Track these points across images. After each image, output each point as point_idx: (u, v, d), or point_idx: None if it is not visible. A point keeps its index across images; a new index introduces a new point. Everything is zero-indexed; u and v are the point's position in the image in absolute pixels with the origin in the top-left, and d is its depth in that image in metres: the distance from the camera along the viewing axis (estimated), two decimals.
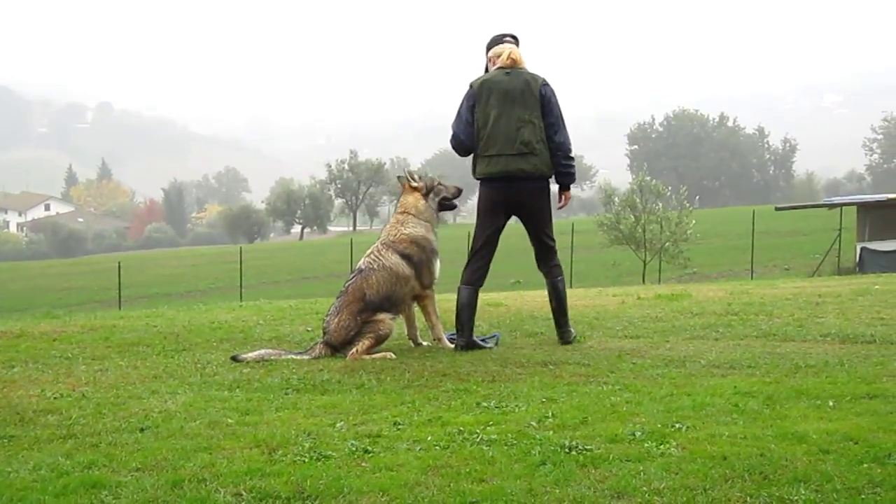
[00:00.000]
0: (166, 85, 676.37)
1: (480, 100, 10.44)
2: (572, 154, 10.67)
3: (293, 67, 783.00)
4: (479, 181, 10.78)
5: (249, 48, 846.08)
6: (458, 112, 10.67)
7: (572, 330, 10.81)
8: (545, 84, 10.49)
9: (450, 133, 10.69)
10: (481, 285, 10.81)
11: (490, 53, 10.77)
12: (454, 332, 10.80)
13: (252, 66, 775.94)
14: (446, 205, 10.94)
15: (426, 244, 10.49)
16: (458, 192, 11.16)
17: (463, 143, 10.68)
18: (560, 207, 11.23)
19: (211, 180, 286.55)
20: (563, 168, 10.62)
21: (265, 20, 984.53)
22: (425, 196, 10.76)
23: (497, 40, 10.79)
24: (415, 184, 10.82)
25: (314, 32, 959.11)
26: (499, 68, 10.54)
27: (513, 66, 10.50)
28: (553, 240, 10.90)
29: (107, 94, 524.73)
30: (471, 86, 10.56)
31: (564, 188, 10.96)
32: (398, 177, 11.42)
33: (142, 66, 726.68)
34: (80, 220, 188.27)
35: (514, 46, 10.67)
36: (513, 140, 10.33)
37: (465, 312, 10.53)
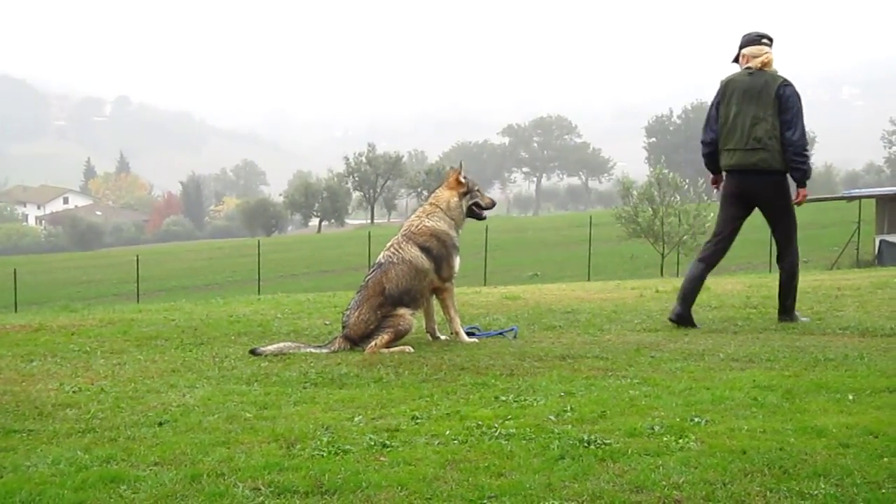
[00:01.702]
0: (184, 78, 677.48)
1: (724, 97, 11.34)
2: (805, 151, 11.19)
3: (310, 61, 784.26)
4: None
5: (267, 42, 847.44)
6: (709, 111, 11.69)
7: (797, 315, 11.45)
8: (785, 84, 11.11)
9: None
10: (714, 263, 11.66)
11: (744, 51, 11.40)
12: (472, 325, 10.92)
13: (269, 59, 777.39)
14: (476, 212, 10.96)
15: (447, 238, 10.50)
16: (493, 204, 11.26)
17: (707, 139, 11.68)
18: (797, 203, 11.52)
19: (229, 173, 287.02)
20: (795, 164, 11.16)
21: (283, 13, 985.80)
22: (462, 196, 10.78)
23: (753, 40, 11.41)
24: (461, 179, 10.88)
25: (331, 25, 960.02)
26: (745, 68, 11.30)
27: (761, 69, 11.20)
28: (793, 241, 11.57)
29: (125, 88, 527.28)
30: (721, 83, 11.46)
31: (799, 184, 11.34)
32: (450, 168, 11.54)
33: (159, 60, 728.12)
34: (99, 213, 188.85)
35: (769, 51, 11.32)
36: (747, 136, 11.13)
37: (689, 284, 11.45)
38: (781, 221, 11.43)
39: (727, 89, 11.32)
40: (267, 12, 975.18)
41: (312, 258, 76.99)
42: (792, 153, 11.02)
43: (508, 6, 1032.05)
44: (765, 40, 11.37)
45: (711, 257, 11.61)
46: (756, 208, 11.44)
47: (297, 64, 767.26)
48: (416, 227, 10.56)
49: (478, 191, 10.93)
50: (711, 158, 11.67)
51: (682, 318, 11.17)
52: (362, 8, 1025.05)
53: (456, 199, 10.74)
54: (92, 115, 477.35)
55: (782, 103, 11.05)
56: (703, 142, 11.72)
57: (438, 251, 10.41)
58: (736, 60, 11.55)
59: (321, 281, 53.30)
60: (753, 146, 11.09)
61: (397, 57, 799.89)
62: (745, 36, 11.54)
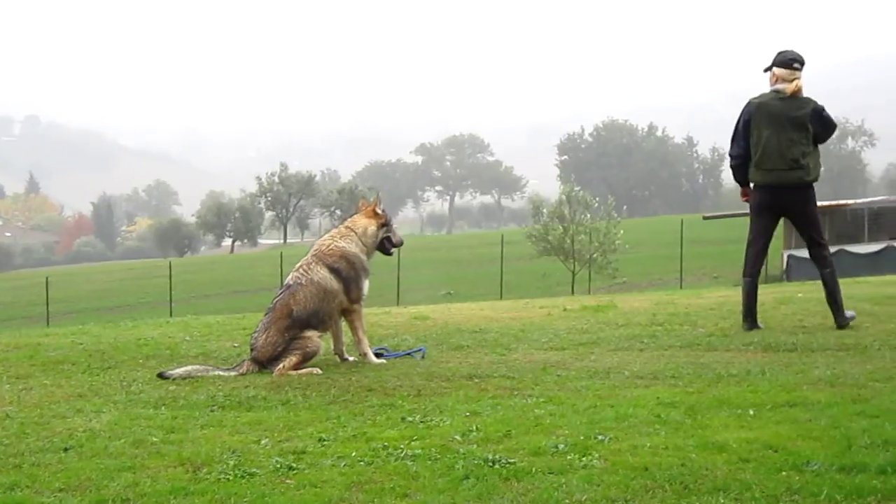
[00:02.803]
0: (94, 97, 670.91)
1: (755, 119, 11.98)
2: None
3: (223, 79, 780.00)
4: (752, 184, 12.37)
5: (178, 60, 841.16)
6: (736, 127, 12.26)
7: (847, 314, 11.99)
8: (815, 108, 11.97)
9: (727, 148, 12.62)
10: (759, 272, 12.50)
11: (776, 70, 12.11)
12: (380, 346, 10.96)
13: (181, 78, 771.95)
14: (386, 246, 10.97)
15: (356, 261, 10.50)
16: (402, 242, 11.27)
17: (738, 152, 12.28)
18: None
19: (141, 193, 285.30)
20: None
21: (193, 32, 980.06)
22: (380, 227, 10.81)
23: (787, 63, 12.08)
24: (379, 211, 10.91)
25: (243, 44, 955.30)
26: (774, 90, 12.02)
27: (793, 95, 11.89)
28: (822, 237, 12.38)
29: (34, 107, 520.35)
30: (749, 103, 12.16)
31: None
32: (361, 198, 11.65)
33: (69, 78, 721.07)
34: (8, 234, 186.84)
35: (799, 77, 12.02)
36: (784, 157, 11.86)
37: (750, 299, 12.10)
38: (812, 226, 12.31)
39: (758, 112, 11.98)
40: (177, 30, 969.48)
41: (225, 279, 76.69)
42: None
43: (420, 25, 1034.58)
44: (796, 64, 12.04)
45: (754, 268, 12.38)
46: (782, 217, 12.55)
47: (210, 83, 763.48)
48: (328, 247, 10.56)
49: (392, 227, 10.98)
50: (740, 170, 12.39)
51: (753, 325, 11.97)
52: (274, 26, 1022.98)
53: (374, 227, 10.75)
54: (0, 135, 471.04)
55: (815, 120, 11.95)
56: (731, 155, 12.44)
57: (347, 273, 10.41)
58: (769, 69, 12.26)
59: (234, 302, 53.05)
60: (791, 166, 11.87)
61: (310, 75, 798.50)
62: (780, 53, 12.30)
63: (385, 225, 10.86)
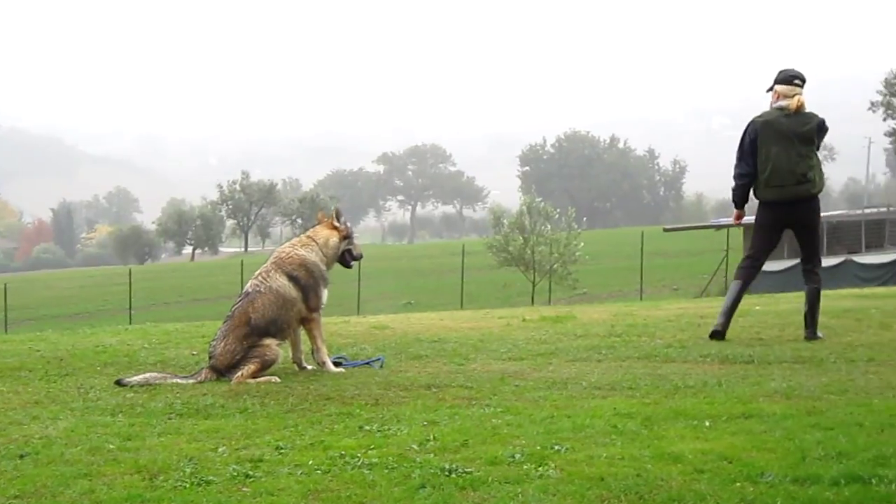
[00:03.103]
0: (55, 102, 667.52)
1: (761, 136, 12.19)
2: None
3: (184, 86, 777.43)
4: (758, 201, 12.61)
5: (140, 65, 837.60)
6: (742, 146, 12.45)
7: (819, 335, 12.13)
8: (819, 121, 12.29)
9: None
10: (750, 282, 12.77)
11: (778, 88, 12.41)
12: (339, 355, 10.97)
13: (142, 84, 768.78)
14: (346, 259, 10.97)
15: (315, 269, 10.49)
16: (361, 256, 11.29)
17: (747, 171, 12.42)
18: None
19: (101, 200, 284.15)
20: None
21: (156, 37, 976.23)
22: (342, 239, 10.82)
23: (787, 79, 12.42)
24: (338, 224, 10.90)
25: (205, 49, 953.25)
26: (777, 107, 12.30)
27: (797, 111, 12.19)
28: (819, 253, 12.76)
29: None
30: (753, 122, 12.38)
31: None
32: (319, 211, 11.66)
33: (30, 83, 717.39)
34: None
35: (801, 93, 12.33)
36: (794, 172, 12.11)
37: (732, 302, 12.46)
38: (814, 239, 12.64)
39: (764, 129, 12.18)
40: (140, 36, 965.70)
41: (185, 287, 76.47)
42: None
43: (383, 34, 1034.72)
44: (797, 81, 12.36)
45: (749, 278, 12.66)
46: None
47: (172, 90, 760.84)
48: (287, 255, 10.56)
49: (354, 241, 10.98)
50: (745, 190, 12.64)
51: (723, 331, 12.24)
52: (237, 33, 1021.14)
53: (336, 240, 10.74)
54: None
55: (824, 132, 12.41)
56: (740, 174, 12.52)
57: (306, 281, 10.40)
58: (770, 90, 12.56)
59: (194, 310, 52.95)
60: (800, 181, 12.14)
61: (272, 83, 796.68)
62: (781, 72, 12.59)
63: (347, 238, 10.86)
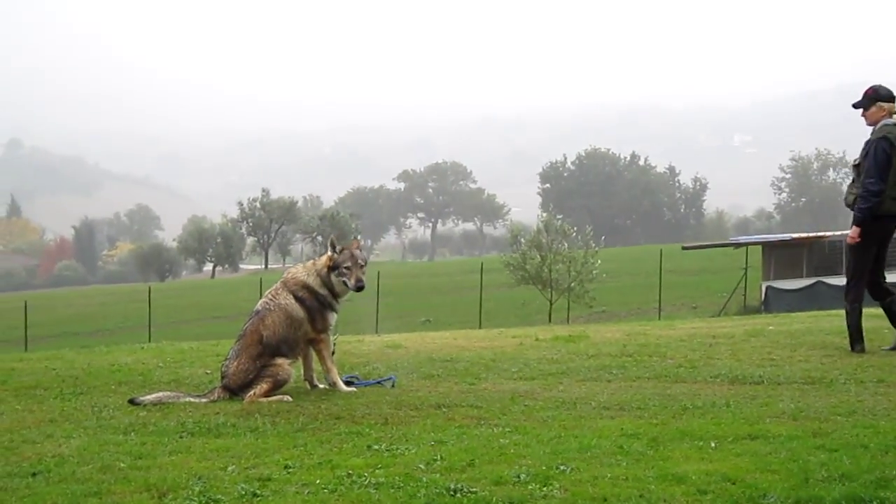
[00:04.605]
0: (76, 122, 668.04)
1: (893, 152, 12.29)
2: None
3: (204, 104, 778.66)
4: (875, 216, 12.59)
5: (158, 85, 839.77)
6: (882, 162, 12.33)
7: None
8: None
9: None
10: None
11: (885, 105, 12.47)
12: (351, 374, 11.00)
13: (161, 103, 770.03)
14: (337, 291, 10.66)
15: (316, 293, 10.44)
16: (358, 286, 10.67)
17: (883, 187, 12.36)
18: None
19: (122, 218, 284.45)
20: None
21: (171, 57, 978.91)
22: (329, 269, 10.62)
23: (890, 97, 12.56)
24: (330, 253, 10.70)
25: (223, 67, 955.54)
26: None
27: None
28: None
29: (16, 131, 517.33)
30: (886, 138, 12.32)
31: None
32: (354, 238, 11.62)
33: (51, 103, 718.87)
34: None
35: None
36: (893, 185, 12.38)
37: (860, 322, 12.59)
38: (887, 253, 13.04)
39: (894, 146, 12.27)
40: (155, 56, 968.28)
41: (205, 304, 76.58)
42: None
43: (402, 52, 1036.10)
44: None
45: (861, 296, 12.73)
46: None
47: (190, 108, 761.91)
48: (292, 276, 10.68)
49: (346, 268, 10.55)
50: (877, 207, 12.51)
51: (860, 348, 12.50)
52: (252, 51, 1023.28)
53: (325, 269, 10.59)
54: None
55: None
56: (878, 190, 12.41)
57: (311, 303, 10.42)
58: (858, 107, 12.76)
59: (213, 327, 53.00)
60: (892, 195, 12.36)
61: (289, 99, 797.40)
62: (880, 88, 12.71)
63: (335, 268, 10.58)
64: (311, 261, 10.97)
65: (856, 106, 12.71)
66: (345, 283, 10.61)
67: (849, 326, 12.64)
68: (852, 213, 12.65)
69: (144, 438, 7.79)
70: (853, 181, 12.93)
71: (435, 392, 10.04)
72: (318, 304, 10.47)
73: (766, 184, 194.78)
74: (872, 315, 13.62)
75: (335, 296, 10.67)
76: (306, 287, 10.50)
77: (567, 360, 12.55)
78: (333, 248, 10.76)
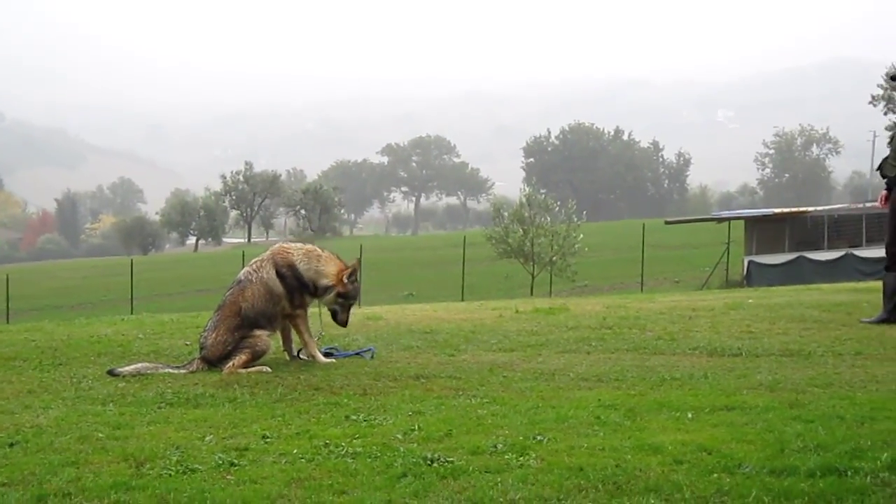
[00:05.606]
0: (59, 94, 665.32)
1: None
2: None
3: (188, 77, 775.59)
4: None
5: (142, 57, 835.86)
6: None
7: None
8: None
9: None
10: None
11: None
12: (330, 346, 10.99)
13: (145, 75, 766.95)
14: (332, 313, 10.74)
15: (302, 277, 10.34)
16: (344, 325, 10.83)
17: None
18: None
19: (105, 191, 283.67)
20: None
21: (156, 27, 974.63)
22: (336, 294, 10.46)
23: None
24: (345, 280, 10.49)
25: (208, 42, 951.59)
26: None
27: None
28: None
29: None
30: None
31: None
32: (356, 260, 11.41)
33: (34, 75, 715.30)
34: None
35: None
36: None
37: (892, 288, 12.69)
38: None
39: None
40: (139, 27, 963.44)
41: (188, 277, 76.48)
42: None
43: (385, 22, 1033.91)
44: None
45: None
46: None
47: (174, 82, 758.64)
48: (283, 251, 10.56)
49: (348, 305, 10.63)
50: None
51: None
52: (237, 25, 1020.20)
53: (332, 294, 10.45)
54: None
55: None
56: None
57: (291, 282, 10.34)
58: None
59: (196, 300, 52.89)
60: None
61: (274, 73, 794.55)
62: None
63: (343, 296, 10.53)
64: (317, 252, 10.68)
65: (893, 78, 13.01)
66: (335, 313, 10.64)
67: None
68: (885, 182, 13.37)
69: (123, 409, 7.79)
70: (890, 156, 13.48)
71: (414, 363, 10.05)
72: (298, 285, 10.40)
73: (750, 159, 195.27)
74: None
75: (312, 295, 10.56)
76: (292, 266, 10.40)
77: (546, 332, 12.58)
78: (350, 276, 10.59)
